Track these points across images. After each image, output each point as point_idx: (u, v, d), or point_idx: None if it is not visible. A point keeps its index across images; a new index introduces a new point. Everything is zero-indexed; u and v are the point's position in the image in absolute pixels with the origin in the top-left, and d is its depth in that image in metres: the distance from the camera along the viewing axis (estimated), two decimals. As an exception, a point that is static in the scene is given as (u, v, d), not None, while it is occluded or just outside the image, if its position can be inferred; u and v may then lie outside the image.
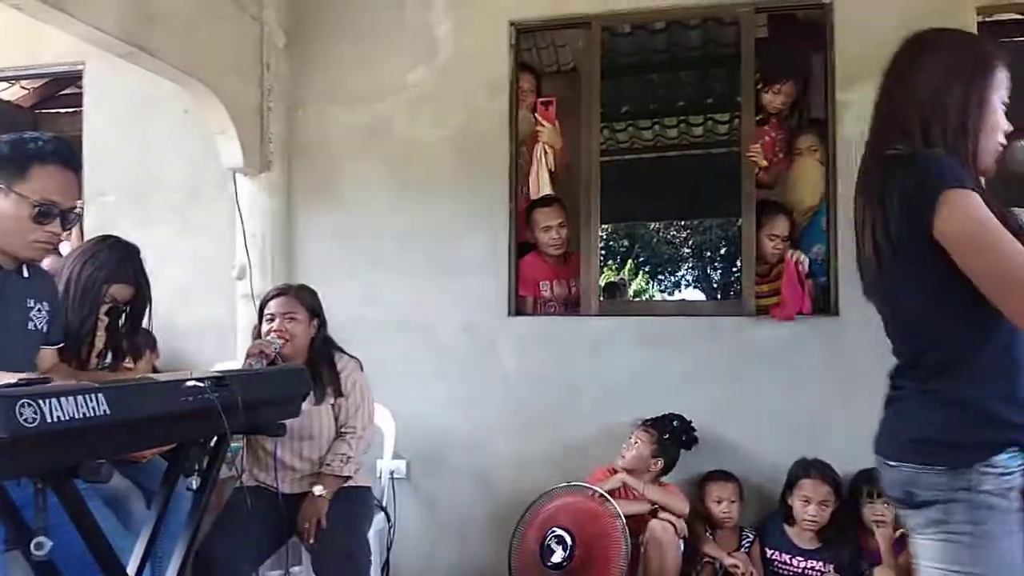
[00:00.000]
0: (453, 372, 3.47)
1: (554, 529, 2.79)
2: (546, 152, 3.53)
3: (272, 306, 2.79)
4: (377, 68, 3.63)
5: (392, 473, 3.24)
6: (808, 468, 2.97)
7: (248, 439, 2.77)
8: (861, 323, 3.08)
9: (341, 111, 3.67)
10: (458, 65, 3.54)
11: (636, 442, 3.04)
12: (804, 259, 3.22)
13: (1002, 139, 1.49)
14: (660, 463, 3.03)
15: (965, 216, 1.32)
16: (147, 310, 2.68)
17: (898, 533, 2.85)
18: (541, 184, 3.52)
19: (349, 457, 2.75)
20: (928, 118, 1.45)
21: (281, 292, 2.85)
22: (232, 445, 2.70)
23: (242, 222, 3.56)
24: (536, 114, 3.54)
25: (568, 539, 2.74)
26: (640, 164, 6.07)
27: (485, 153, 3.49)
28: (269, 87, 3.62)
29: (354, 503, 2.75)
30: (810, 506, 2.92)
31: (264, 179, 3.61)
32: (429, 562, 3.43)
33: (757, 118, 3.41)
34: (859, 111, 3.16)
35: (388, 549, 3.13)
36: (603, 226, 5.11)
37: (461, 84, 3.53)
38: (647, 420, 3.13)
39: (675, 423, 3.12)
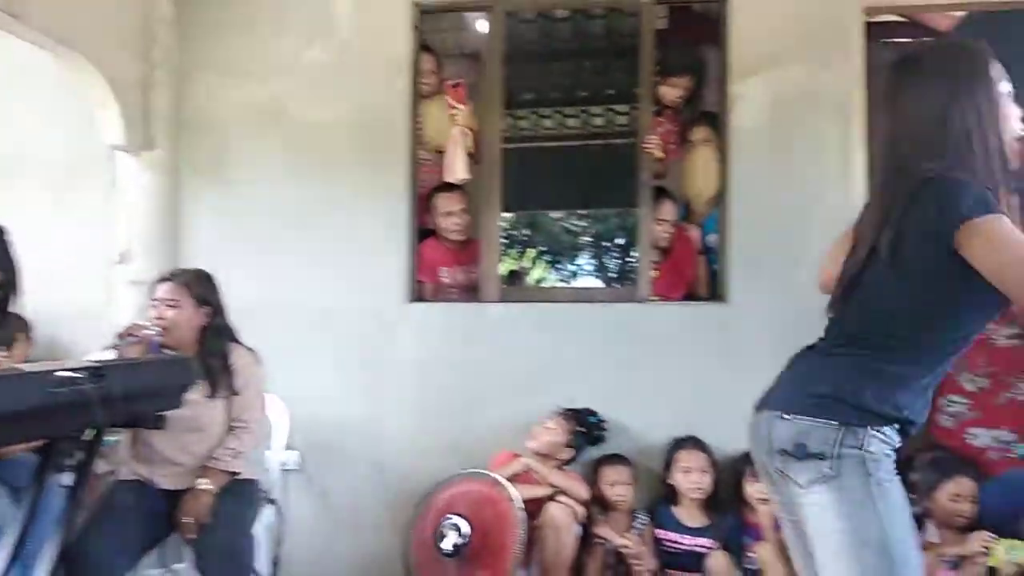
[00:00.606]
0: (350, 359, 3.39)
1: (450, 516, 2.77)
2: (464, 134, 3.46)
3: (155, 292, 2.66)
4: (273, 44, 3.49)
5: (284, 465, 3.14)
6: (681, 442, 3.09)
7: (127, 431, 2.62)
8: (749, 309, 3.20)
9: (234, 87, 3.51)
10: (357, 44, 3.45)
11: (553, 428, 3.06)
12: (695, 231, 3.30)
13: (1019, 125, 1.55)
14: (569, 452, 3.06)
15: (992, 243, 1.39)
16: (13, 296, 2.49)
17: (781, 511, 2.97)
18: (459, 168, 3.44)
19: (239, 452, 2.65)
20: (950, 131, 1.48)
21: (165, 278, 2.71)
22: (110, 438, 2.57)
23: (124, 203, 3.37)
24: (448, 97, 3.48)
25: (464, 526, 2.73)
26: (542, 153, 6.09)
27: (385, 135, 3.42)
28: (155, 60, 3.43)
29: (238, 497, 2.64)
30: (692, 474, 3.02)
31: (148, 157, 3.43)
32: (322, 555, 3.35)
33: (653, 109, 3.46)
34: (752, 103, 3.26)
35: (278, 544, 3.04)
36: (505, 214, 5.11)
37: (361, 64, 3.44)
38: (567, 409, 3.15)
39: (591, 418, 3.16)
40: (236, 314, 2.86)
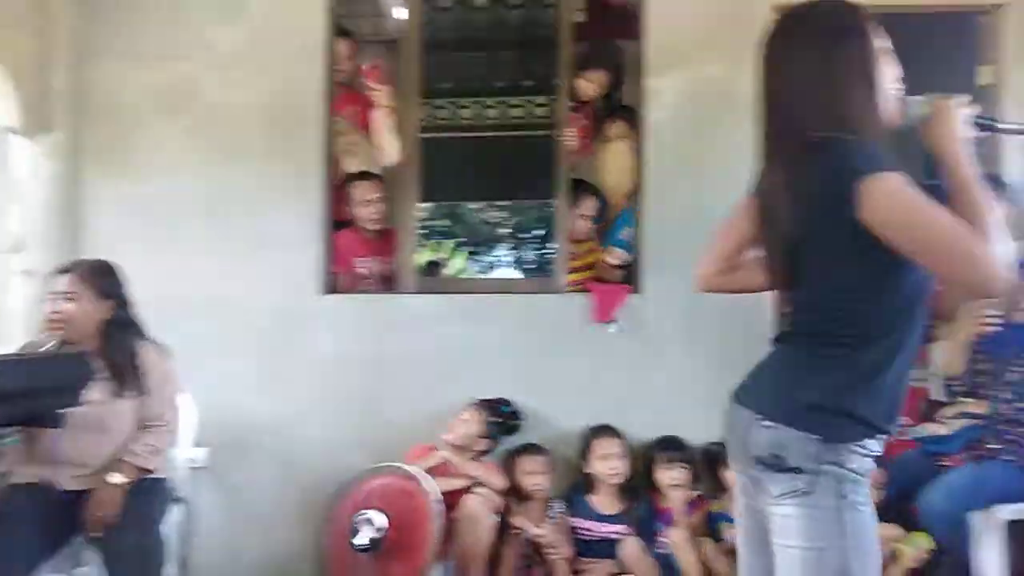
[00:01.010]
0: (261, 353, 3.31)
1: (364, 511, 2.74)
2: (389, 115, 3.35)
3: (52, 285, 2.54)
4: (181, 24, 3.36)
5: (192, 462, 3.04)
6: (598, 430, 3.14)
7: (24, 431, 2.49)
8: (663, 299, 3.27)
9: (138, 69, 3.36)
10: (269, 26, 3.35)
11: (468, 419, 3.05)
12: (616, 252, 3.32)
13: (896, 87, 1.48)
14: (486, 443, 3.06)
15: (892, 200, 1.30)
16: None
17: (694, 495, 3.05)
18: (392, 150, 3.35)
19: (157, 450, 2.57)
20: (834, 89, 1.41)
21: (63, 269, 2.59)
22: (6, 439, 2.43)
23: (17, 190, 3.19)
24: (367, 80, 3.37)
25: (379, 520, 2.70)
26: (460, 143, 6.06)
27: (298, 121, 3.34)
28: (54, 39, 3.25)
29: (148, 495, 2.55)
30: (610, 461, 3.06)
31: (45, 140, 3.25)
32: (232, 554, 3.26)
33: (570, 104, 3.48)
34: (668, 98, 3.32)
35: (187, 544, 2.95)
36: (423, 205, 5.07)
37: (273, 46, 3.34)
38: (483, 400, 3.14)
39: (504, 407, 3.17)
40: (141, 305, 2.75)
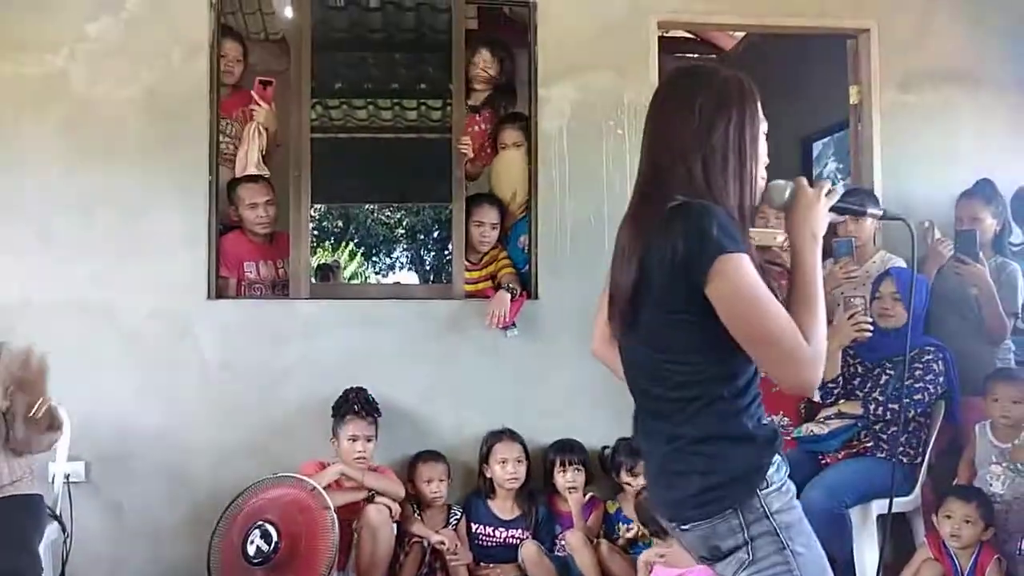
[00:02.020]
0: (143, 361, 3.16)
1: (258, 523, 2.66)
2: (260, 133, 3.36)
3: None
4: (51, 14, 3.17)
5: (68, 477, 2.88)
6: (498, 434, 3.16)
7: None
8: (557, 306, 3.33)
9: (3, 61, 3.15)
10: (148, 19, 3.20)
11: (356, 433, 2.99)
12: (514, 286, 3.34)
13: (763, 171, 1.46)
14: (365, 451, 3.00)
15: (739, 283, 1.29)
16: None
17: (587, 497, 3.12)
18: (249, 163, 3.33)
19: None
20: (706, 157, 1.38)
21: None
22: None
23: None
24: (253, 92, 3.36)
25: (273, 532, 2.63)
26: (354, 144, 5.98)
27: (181, 120, 3.20)
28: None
29: (20, 513, 2.40)
30: (508, 465, 3.09)
31: (-102, 135, 3.00)
32: (115, 572, 3.10)
33: (468, 106, 3.50)
34: (557, 107, 3.39)
35: (64, 563, 2.80)
36: (315, 206, 4.97)
37: (152, 41, 3.20)
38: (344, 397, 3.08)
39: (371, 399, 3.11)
40: (7, 312, 2.58)
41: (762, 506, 1.33)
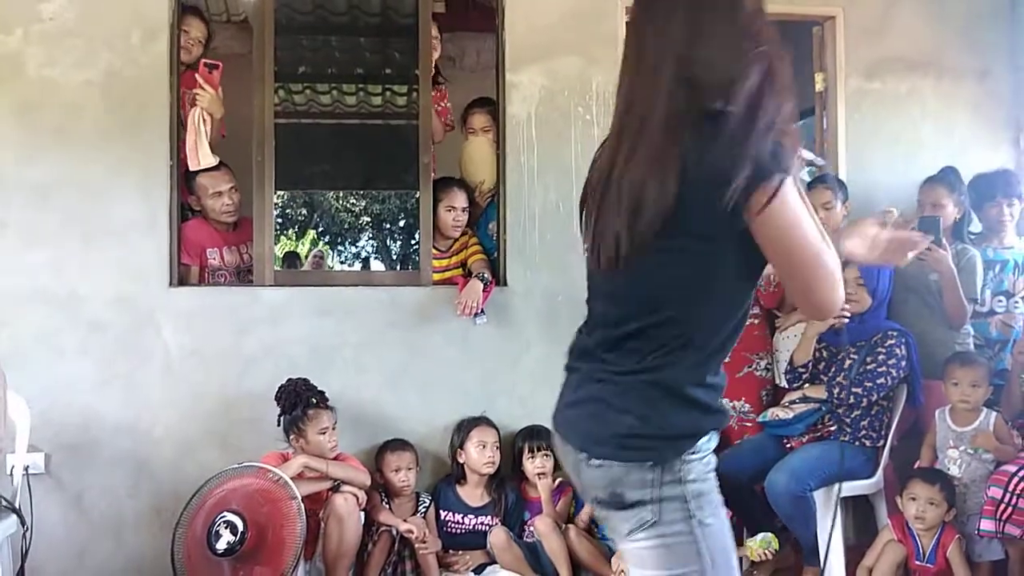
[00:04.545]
0: (103, 350, 3.09)
1: (224, 514, 2.62)
2: (204, 120, 3.20)
3: None
4: (1, -8, 3.07)
5: (27, 469, 2.81)
6: (475, 420, 3.16)
7: None
8: (525, 293, 3.32)
9: (-48, 41, 3.05)
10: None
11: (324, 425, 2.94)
12: (486, 273, 3.30)
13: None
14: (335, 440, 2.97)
15: (790, 209, 1.21)
16: None
17: (556, 483, 3.13)
18: (201, 154, 3.20)
19: None
20: (740, 61, 1.23)
21: None
22: None
23: None
24: (198, 75, 3.20)
25: (239, 523, 2.59)
26: (318, 129, 5.90)
27: (140, 103, 3.12)
28: None
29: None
30: (487, 449, 3.09)
31: None
32: (77, 565, 3.04)
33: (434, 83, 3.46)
34: (525, 92, 3.37)
35: (24, 556, 2.74)
36: (279, 192, 4.90)
37: (110, 21, 3.11)
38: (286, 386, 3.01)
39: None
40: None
41: (681, 471, 1.28)
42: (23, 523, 2.70)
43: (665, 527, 1.28)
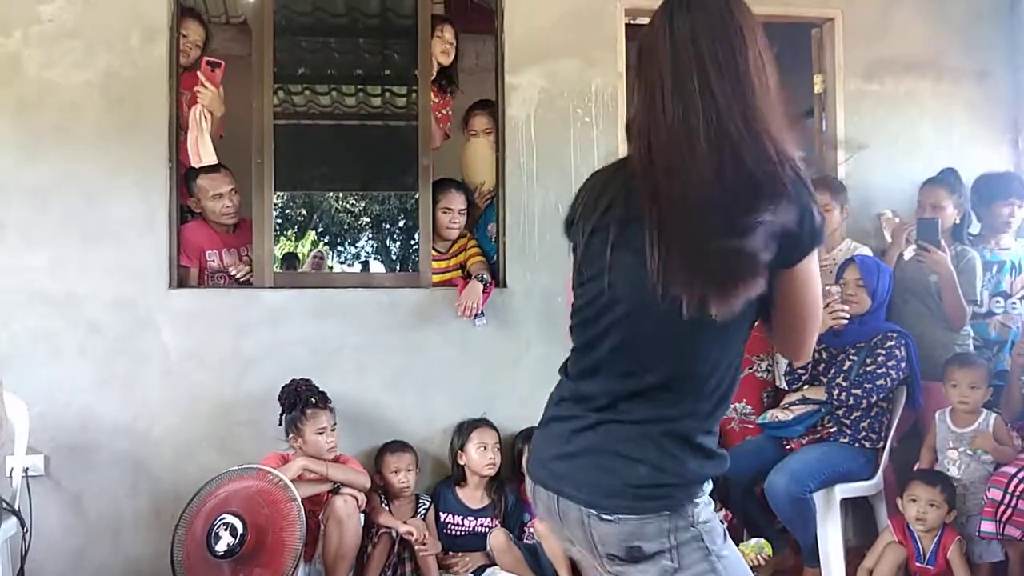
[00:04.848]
0: (102, 352, 3.08)
1: (224, 516, 2.61)
2: (205, 118, 3.20)
3: None
4: (1, -6, 3.07)
5: (26, 470, 2.82)
6: (476, 421, 3.16)
7: None
8: (525, 294, 3.32)
9: (-47, 42, 3.05)
10: (105, 1, 3.11)
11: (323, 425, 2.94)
12: (485, 275, 3.30)
13: None
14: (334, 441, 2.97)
15: (815, 264, 1.24)
16: None
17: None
18: (203, 152, 3.20)
19: None
20: (776, 113, 1.18)
21: None
22: None
23: None
24: (200, 72, 3.21)
25: (238, 525, 2.59)
26: (318, 131, 5.90)
27: (139, 104, 3.12)
28: None
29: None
30: (488, 450, 3.08)
31: None
32: (76, 567, 3.04)
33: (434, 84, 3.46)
34: (525, 94, 3.37)
35: (23, 558, 2.74)
36: (278, 193, 4.90)
37: (109, 22, 3.11)
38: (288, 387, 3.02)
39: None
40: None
41: (693, 514, 1.25)
42: (23, 525, 2.70)
43: (687, 571, 1.24)
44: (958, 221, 3.31)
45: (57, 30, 3.09)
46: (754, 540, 2.91)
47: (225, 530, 2.58)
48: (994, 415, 2.95)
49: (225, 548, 2.57)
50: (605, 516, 1.24)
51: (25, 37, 3.08)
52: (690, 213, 1.16)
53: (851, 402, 2.94)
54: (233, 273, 3.28)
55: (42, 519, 2.88)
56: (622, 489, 1.24)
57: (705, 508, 1.27)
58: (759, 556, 2.89)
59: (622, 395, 1.28)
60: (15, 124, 3.07)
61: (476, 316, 3.22)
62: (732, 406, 3.29)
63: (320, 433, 2.90)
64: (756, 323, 1.32)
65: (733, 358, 1.29)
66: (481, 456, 3.09)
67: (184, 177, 3.27)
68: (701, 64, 1.18)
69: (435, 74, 3.48)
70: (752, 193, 1.13)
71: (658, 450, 1.25)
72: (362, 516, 2.90)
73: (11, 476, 2.77)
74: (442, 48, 3.46)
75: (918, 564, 2.84)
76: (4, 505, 2.62)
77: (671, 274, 1.17)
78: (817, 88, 3.68)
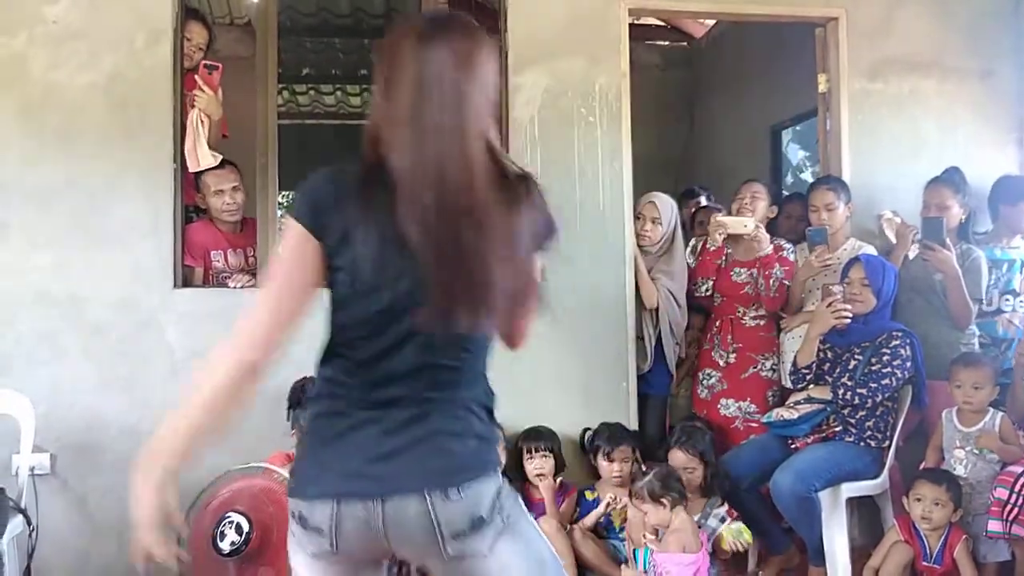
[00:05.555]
0: (107, 352, 3.09)
1: (229, 514, 2.62)
2: (202, 121, 3.18)
3: None
4: (8, -5, 3.08)
5: (32, 469, 2.83)
6: None
7: None
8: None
9: (-42, 44, 3.06)
10: (110, 1, 3.12)
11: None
12: None
13: None
14: None
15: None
16: None
17: (558, 483, 3.12)
18: (200, 155, 3.18)
19: None
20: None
21: None
22: None
23: None
24: (197, 76, 3.19)
25: (244, 523, 2.59)
26: (322, 131, 5.92)
27: (144, 105, 3.12)
28: None
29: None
30: None
31: None
32: (82, 565, 3.04)
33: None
34: (528, 94, 3.37)
35: (30, 556, 2.76)
36: (283, 193, 4.92)
37: (114, 24, 3.11)
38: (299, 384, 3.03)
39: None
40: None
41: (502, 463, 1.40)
42: (29, 523, 2.71)
43: (513, 523, 1.32)
44: (963, 220, 3.31)
45: (62, 31, 3.10)
46: (735, 524, 2.91)
47: (231, 528, 2.59)
48: (1000, 414, 2.94)
49: (230, 547, 2.58)
50: (456, 493, 1.27)
51: (31, 38, 3.08)
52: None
53: (856, 401, 2.94)
54: (232, 285, 3.26)
55: (48, 517, 2.90)
56: (461, 461, 1.30)
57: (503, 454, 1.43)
58: (738, 541, 2.89)
59: (419, 392, 1.33)
60: (20, 125, 3.07)
61: None
62: (737, 404, 3.30)
63: None
64: None
65: None
66: None
67: (196, 175, 3.27)
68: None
69: None
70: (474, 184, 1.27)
71: (475, 418, 1.35)
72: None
73: (17, 475, 2.79)
74: None
75: (924, 563, 2.83)
76: (11, 503, 2.63)
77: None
78: (821, 87, 3.67)
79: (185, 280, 3.21)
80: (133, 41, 3.13)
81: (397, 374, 1.32)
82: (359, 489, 1.29)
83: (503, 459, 1.43)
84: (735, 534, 2.89)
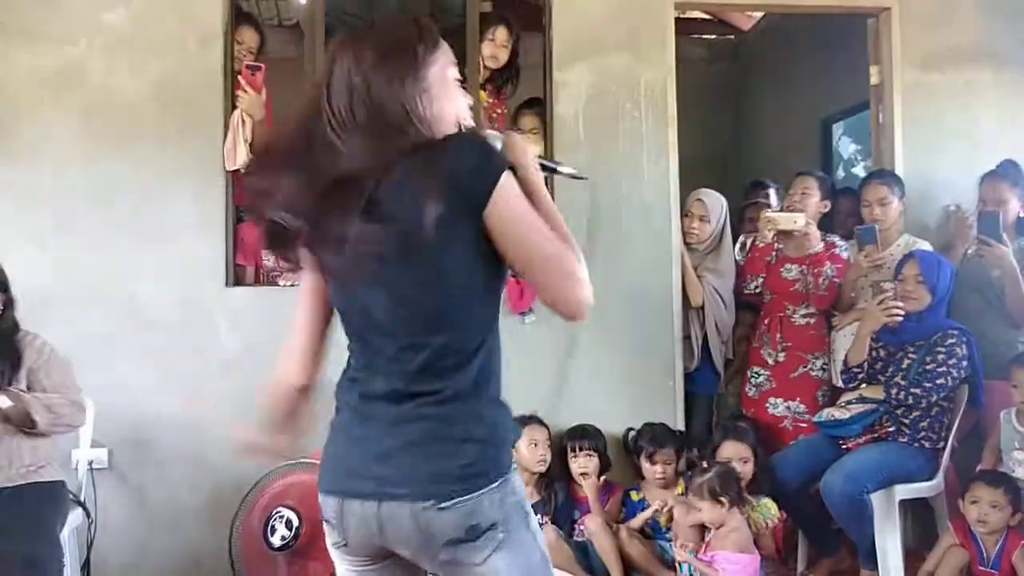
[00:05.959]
0: (162, 349, 3.17)
1: (279, 509, 2.67)
2: (243, 122, 3.18)
3: None
4: (68, 4, 3.17)
5: (91, 463, 2.92)
6: (526, 419, 3.12)
7: None
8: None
9: (22, 51, 3.15)
10: (163, 7, 3.20)
11: None
12: None
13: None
14: None
15: (519, 198, 1.27)
16: None
17: (602, 482, 3.12)
18: (239, 155, 3.18)
19: (48, 406, 2.49)
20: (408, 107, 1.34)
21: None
22: None
23: None
24: (240, 77, 3.19)
25: (294, 518, 2.64)
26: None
27: (196, 108, 3.20)
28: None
29: (40, 500, 2.46)
30: (539, 447, 3.09)
31: (-84, 126, 3.02)
32: (139, 557, 3.13)
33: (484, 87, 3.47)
34: (573, 90, 3.36)
35: (89, 547, 2.84)
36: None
37: (166, 30, 3.19)
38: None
39: None
40: (29, 302, 2.62)
41: (513, 482, 1.30)
42: (88, 516, 2.80)
43: (514, 538, 1.28)
44: (1022, 215, 3.21)
45: (118, 38, 3.18)
46: (763, 499, 2.88)
47: (281, 523, 2.64)
48: (1062, 415, 2.86)
49: (280, 541, 2.63)
50: (441, 506, 1.25)
51: (89, 45, 3.17)
52: None
53: (910, 401, 2.87)
54: (283, 284, 3.30)
55: (106, 510, 2.99)
56: (449, 472, 1.26)
57: (516, 474, 1.32)
58: (768, 519, 2.84)
59: (399, 376, 1.32)
60: (80, 129, 3.17)
61: (524, 312, 3.22)
62: (786, 404, 3.25)
63: None
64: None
65: (486, 293, 1.34)
66: (532, 453, 3.09)
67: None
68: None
69: (490, 74, 3.47)
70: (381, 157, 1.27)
71: (475, 420, 1.30)
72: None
73: (76, 468, 2.88)
74: (491, 52, 3.41)
75: (981, 568, 2.76)
76: (71, 497, 2.72)
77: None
78: (873, 79, 3.59)
79: (237, 279, 3.28)
80: (185, 45, 3.21)
81: (379, 367, 1.36)
82: (358, 488, 1.32)
83: (515, 458, 1.35)
84: (764, 510, 2.86)
